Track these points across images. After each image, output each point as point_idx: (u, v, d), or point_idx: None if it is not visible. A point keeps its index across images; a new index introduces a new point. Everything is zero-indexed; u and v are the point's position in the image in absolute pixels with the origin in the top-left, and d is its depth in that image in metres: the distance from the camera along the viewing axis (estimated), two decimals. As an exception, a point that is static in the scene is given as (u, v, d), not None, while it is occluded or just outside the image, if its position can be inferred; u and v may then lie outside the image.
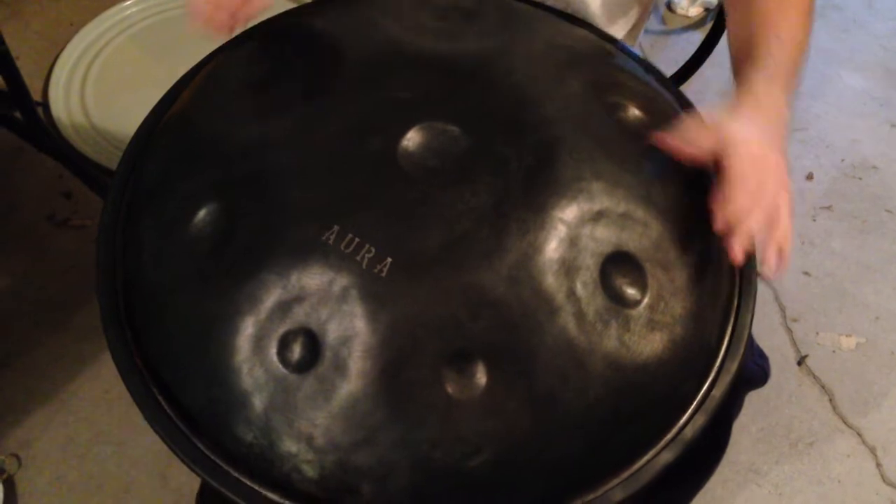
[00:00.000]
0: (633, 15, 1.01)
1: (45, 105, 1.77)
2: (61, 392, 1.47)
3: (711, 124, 0.71)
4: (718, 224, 0.67)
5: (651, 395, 0.66)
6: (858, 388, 1.60)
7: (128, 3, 1.95)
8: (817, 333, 1.67)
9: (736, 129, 0.70)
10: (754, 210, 0.67)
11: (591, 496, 0.65)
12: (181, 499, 1.37)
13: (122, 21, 1.94)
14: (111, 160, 1.68)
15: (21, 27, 1.93)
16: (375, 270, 0.62)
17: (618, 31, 1.01)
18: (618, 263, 0.66)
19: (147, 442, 1.41)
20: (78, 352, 1.50)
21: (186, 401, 0.67)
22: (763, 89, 0.75)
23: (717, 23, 1.92)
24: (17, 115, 1.58)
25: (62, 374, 1.48)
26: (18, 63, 1.49)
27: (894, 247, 1.82)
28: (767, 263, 0.69)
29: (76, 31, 1.91)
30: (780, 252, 0.69)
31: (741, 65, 0.80)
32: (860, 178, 1.95)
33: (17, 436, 1.41)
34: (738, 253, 0.66)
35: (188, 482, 1.36)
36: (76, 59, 1.86)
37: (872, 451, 1.52)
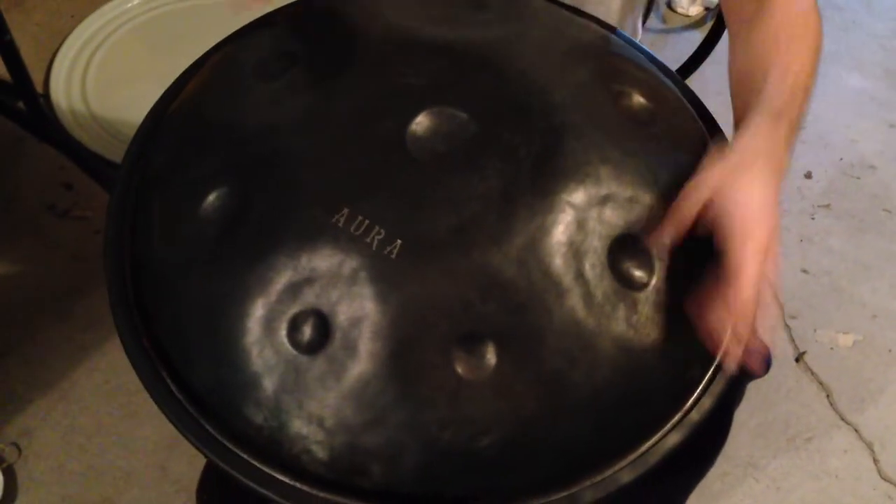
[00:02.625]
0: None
1: (47, 96, 1.77)
2: (62, 382, 1.47)
3: (707, 187, 0.67)
4: (704, 327, 0.64)
5: (658, 378, 0.66)
6: (856, 385, 1.61)
7: (128, -4, 1.95)
8: (815, 330, 1.68)
9: (734, 198, 0.65)
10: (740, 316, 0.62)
11: (599, 478, 0.65)
12: (181, 489, 1.37)
13: (123, 14, 1.94)
14: (112, 151, 1.68)
15: (23, 18, 1.93)
16: (385, 252, 0.63)
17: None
18: (625, 246, 0.66)
19: (147, 432, 1.41)
20: (79, 342, 1.50)
21: (195, 383, 0.67)
22: (766, 132, 0.70)
23: (717, 22, 1.93)
24: (20, 105, 1.58)
25: (63, 363, 1.49)
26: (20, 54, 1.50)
27: (892, 246, 1.83)
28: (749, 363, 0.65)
29: (77, 24, 1.91)
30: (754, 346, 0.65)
31: (743, 99, 0.76)
32: (858, 178, 1.96)
33: (17, 425, 1.42)
34: (731, 363, 0.65)
35: (188, 472, 1.37)
36: (77, 51, 1.86)
37: (870, 446, 1.53)
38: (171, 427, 0.67)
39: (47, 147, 1.65)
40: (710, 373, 0.69)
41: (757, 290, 0.62)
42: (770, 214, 0.65)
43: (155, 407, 0.68)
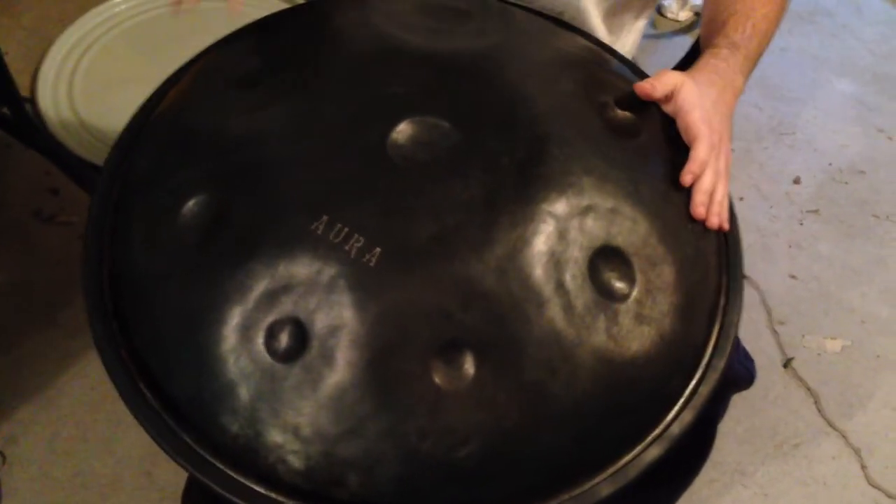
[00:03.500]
0: (631, 21, 1.02)
1: (33, 101, 1.76)
2: (47, 389, 1.46)
3: (672, 78, 0.76)
4: (686, 177, 0.72)
5: (639, 390, 0.66)
6: (844, 391, 1.61)
7: (116, 0, 1.94)
8: (803, 336, 1.68)
9: (693, 93, 0.75)
10: (710, 166, 0.73)
11: (579, 491, 0.65)
12: (166, 496, 1.36)
13: (111, 18, 1.92)
14: (99, 157, 1.66)
15: (11, 22, 1.92)
16: (364, 260, 0.62)
17: (616, 39, 1.01)
18: (606, 257, 0.66)
19: (133, 439, 1.40)
20: (64, 349, 1.49)
21: (172, 391, 0.67)
22: (724, 55, 0.80)
23: (706, 27, 1.92)
24: (5, 110, 1.57)
25: (48, 370, 1.47)
26: (6, 59, 1.49)
27: (880, 251, 1.84)
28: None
29: (65, 28, 1.90)
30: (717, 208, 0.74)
31: (710, 37, 0.84)
32: (847, 183, 1.96)
33: (2, 432, 1.40)
34: (703, 213, 0.72)
35: (173, 480, 1.36)
36: (64, 56, 1.85)
37: (857, 452, 1.53)
38: (154, 435, 0.66)
39: (33, 152, 1.64)
40: (691, 386, 0.68)
41: (710, 154, 0.73)
42: (722, 114, 0.76)
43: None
